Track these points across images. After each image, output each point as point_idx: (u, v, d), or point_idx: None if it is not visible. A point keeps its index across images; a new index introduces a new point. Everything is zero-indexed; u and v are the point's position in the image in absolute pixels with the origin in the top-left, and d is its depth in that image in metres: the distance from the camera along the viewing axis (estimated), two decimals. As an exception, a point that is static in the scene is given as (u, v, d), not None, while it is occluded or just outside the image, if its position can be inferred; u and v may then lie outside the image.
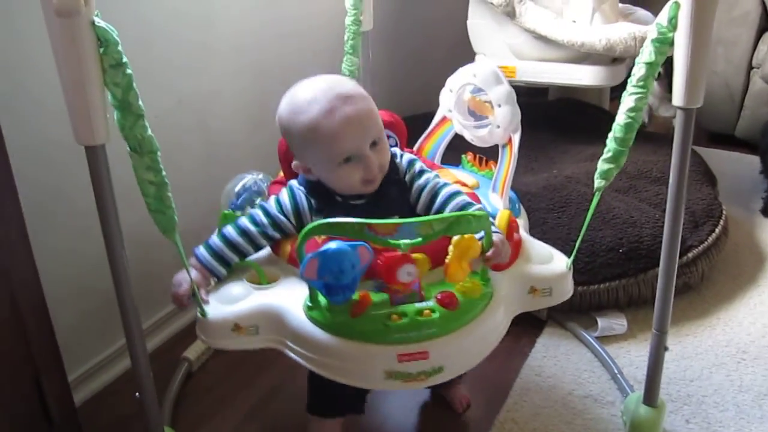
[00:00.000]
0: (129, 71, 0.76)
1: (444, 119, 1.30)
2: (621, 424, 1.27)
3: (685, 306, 1.62)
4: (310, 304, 0.87)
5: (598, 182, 0.97)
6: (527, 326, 1.56)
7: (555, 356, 1.47)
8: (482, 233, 0.90)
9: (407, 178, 1.04)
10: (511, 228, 0.99)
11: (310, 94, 0.94)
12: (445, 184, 1.03)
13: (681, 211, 1.00)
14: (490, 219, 0.91)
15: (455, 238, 0.86)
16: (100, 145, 0.80)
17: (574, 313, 1.56)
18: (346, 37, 1.45)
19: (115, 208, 0.84)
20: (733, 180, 2.21)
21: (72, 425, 0.96)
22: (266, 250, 1.02)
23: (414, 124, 1.34)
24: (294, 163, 1.00)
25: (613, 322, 1.53)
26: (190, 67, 1.49)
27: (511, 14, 1.85)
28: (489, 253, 0.91)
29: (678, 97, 0.93)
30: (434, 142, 1.33)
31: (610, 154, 0.95)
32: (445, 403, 1.33)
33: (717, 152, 2.44)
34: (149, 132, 0.79)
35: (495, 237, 0.92)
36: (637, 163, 1.88)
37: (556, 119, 2.22)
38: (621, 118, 0.94)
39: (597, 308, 1.56)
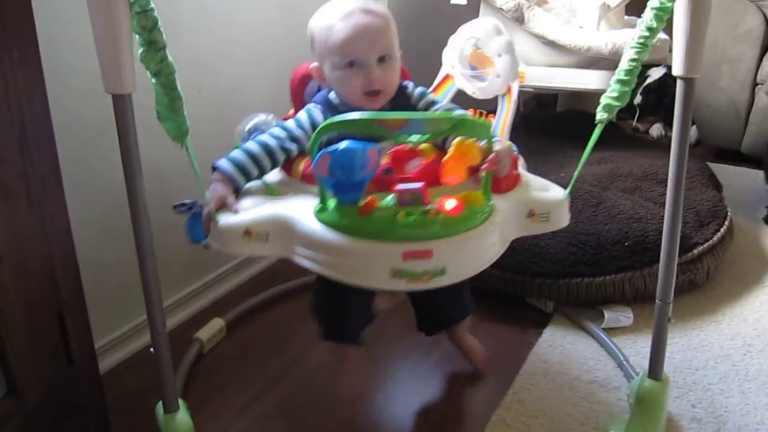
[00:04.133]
0: (155, 15, 0.81)
1: (446, 77, 1.36)
2: (627, 408, 1.27)
3: (692, 304, 1.63)
4: (320, 207, 0.92)
5: (600, 115, 1.00)
6: (533, 319, 1.58)
7: (561, 345, 1.49)
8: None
9: (420, 106, 1.12)
10: (512, 158, 1.03)
11: (339, 2, 1.06)
12: (455, 109, 1.10)
13: (682, 179, 1.03)
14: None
15: (456, 139, 0.92)
16: (127, 94, 0.85)
17: (581, 307, 1.58)
18: None
19: (138, 157, 0.88)
20: (739, 192, 2.24)
21: (91, 367, 0.99)
22: (278, 175, 1.08)
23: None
24: (312, 65, 1.11)
25: (620, 314, 1.55)
26: (211, 59, 1.55)
27: (519, 20, 1.91)
28: (489, 158, 0.95)
29: (678, 67, 0.96)
30: None
31: (615, 93, 0.98)
32: (452, 380, 1.35)
33: (723, 167, 2.47)
34: (170, 59, 0.84)
35: (497, 146, 0.96)
36: (644, 166, 1.92)
37: (565, 128, 2.25)
38: (624, 64, 0.98)
39: (603, 302, 1.58)
